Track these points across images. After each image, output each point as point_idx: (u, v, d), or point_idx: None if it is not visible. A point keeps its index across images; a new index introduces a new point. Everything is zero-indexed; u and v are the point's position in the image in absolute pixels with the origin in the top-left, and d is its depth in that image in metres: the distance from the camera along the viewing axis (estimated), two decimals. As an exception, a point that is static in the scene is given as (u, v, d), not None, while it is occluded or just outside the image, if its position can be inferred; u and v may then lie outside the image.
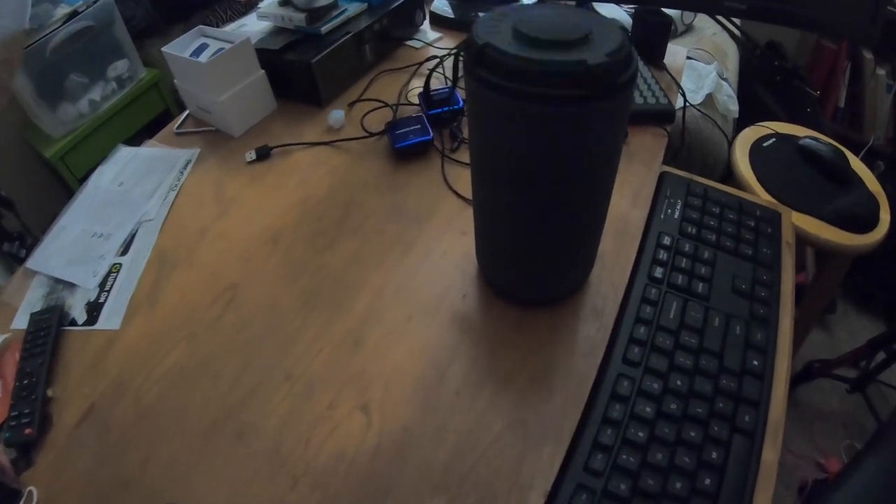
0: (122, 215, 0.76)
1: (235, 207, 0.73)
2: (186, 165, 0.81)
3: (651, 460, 0.49)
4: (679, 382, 0.53)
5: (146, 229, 0.73)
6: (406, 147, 0.76)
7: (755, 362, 0.55)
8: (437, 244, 0.66)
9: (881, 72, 1.77)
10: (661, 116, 0.81)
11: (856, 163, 1.17)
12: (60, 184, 1.61)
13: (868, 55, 1.77)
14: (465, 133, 0.80)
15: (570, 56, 0.41)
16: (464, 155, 0.78)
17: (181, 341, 0.59)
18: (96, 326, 0.62)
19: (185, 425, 0.53)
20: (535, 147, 0.45)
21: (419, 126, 0.78)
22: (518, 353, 0.56)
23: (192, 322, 0.60)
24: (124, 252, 0.70)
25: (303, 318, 0.60)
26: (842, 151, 1.14)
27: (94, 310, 0.63)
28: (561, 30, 0.43)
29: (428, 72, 0.78)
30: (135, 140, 1.10)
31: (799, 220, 0.71)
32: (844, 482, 0.66)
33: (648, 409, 0.51)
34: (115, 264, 0.69)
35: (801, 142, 1.15)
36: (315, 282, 0.63)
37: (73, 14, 1.47)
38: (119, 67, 1.60)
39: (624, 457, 0.49)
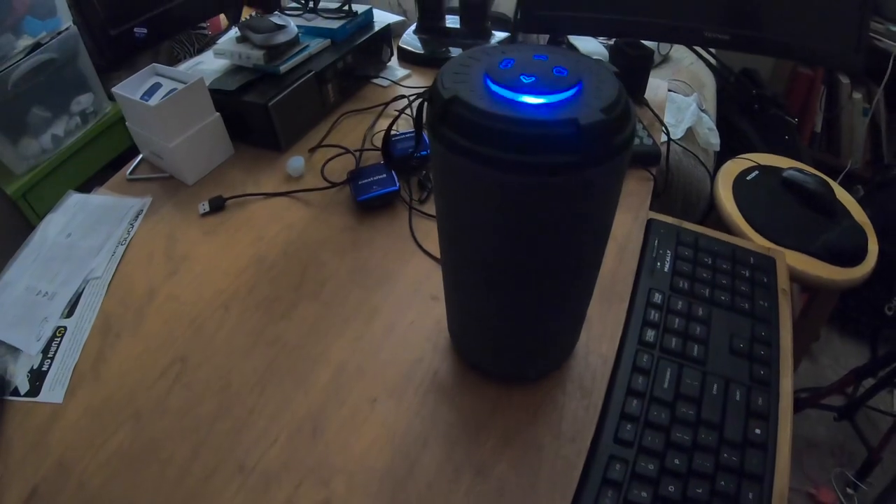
0: (67, 271, 0.69)
1: (186, 266, 0.65)
2: (137, 216, 0.74)
3: None
4: (677, 461, 0.47)
5: (92, 288, 0.66)
6: (369, 199, 0.69)
7: (757, 431, 0.50)
8: (405, 312, 0.60)
9: (857, 95, 1.76)
10: (647, 158, 0.76)
11: (840, 193, 1.13)
12: (23, 222, 1.52)
13: (844, 80, 1.77)
14: None
15: (557, 114, 0.33)
16: (433, 207, 0.71)
17: (126, 421, 0.51)
18: (39, 398, 0.55)
19: None
20: (514, 222, 0.38)
21: (384, 175, 0.71)
22: (497, 438, 0.49)
23: (138, 399, 0.53)
24: (70, 314, 0.63)
25: (257, 397, 0.52)
26: (827, 182, 1.11)
27: (37, 379, 0.57)
28: (544, 79, 0.35)
29: (396, 113, 0.71)
30: (99, 177, 1.03)
31: (788, 258, 0.67)
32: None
33: (644, 495, 0.45)
34: (59, 328, 0.62)
35: (785, 174, 1.11)
36: (270, 355, 0.56)
37: (36, 46, 1.39)
38: (83, 102, 1.52)
39: None
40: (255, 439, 0.50)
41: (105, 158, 1.59)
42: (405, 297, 0.61)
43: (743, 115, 1.48)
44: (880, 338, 1.59)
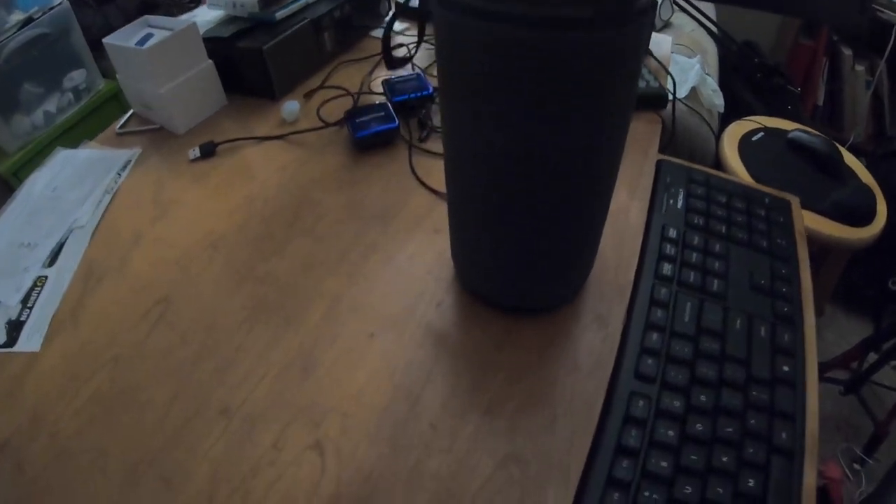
0: (51, 223, 0.63)
1: (175, 210, 0.60)
2: (125, 167, 0.68)
3: (678, 496, 0.37)
4: (703, 398, 0.41)
5: (76, 237, 0.60)
6: (368, 136, 0.63)
7: (785, 368, 0.44)
8: (405, 245, 0.54)
9: (860, 68, 1.68)
10: (654, 101, 0.70)
11: (847, 155, 1.09)
12: (16, 200, 1.46)
13: (847, 51, 1.70)
14: (436, 121, 0.68)
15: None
16: (435, 144, 0.66)
17: (104, 365, 0.45)
18: (15, 348, 0.49)
19: (104, 468, 0.40)
20: (527, 100, 0.32)
21: (383, 114, 0.65)
22: (507, 373, 0.43)
23: (117, 342, 0.47)
24: (52, 262, 0.57)
25: (243, 336, 0.46)
26: (834, 143, 1.06)
27: (14, 329, 0.51)
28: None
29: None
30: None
31: (798, 216, 0.65)
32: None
33: (671, 433, 0.39)
34: (40, 277, 0.56)
35: (790, 135, 1.06)
36: (259, 293, 0.50)
37: (28, 21, 1.33)
38: (76, 78, 1.46)
39: (646, 494, 0.37)
40: (240, 380, 0.44)
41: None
42: (405, 231, 0.55)
43: (745, 85, 1.43)
44: (885, 313, 1.55)
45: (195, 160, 0.65)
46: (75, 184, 0.69)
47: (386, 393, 0.43)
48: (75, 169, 0.71)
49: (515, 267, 0.44)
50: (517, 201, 0.38)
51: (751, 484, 0.38)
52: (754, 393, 0.43)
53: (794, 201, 0.60)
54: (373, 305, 0.49)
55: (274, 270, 0.52)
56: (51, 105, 1.42)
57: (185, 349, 0.46)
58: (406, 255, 0.53)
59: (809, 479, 0.40)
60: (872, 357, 1.27)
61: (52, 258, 0.58)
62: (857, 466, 1.25)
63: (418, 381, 0.43)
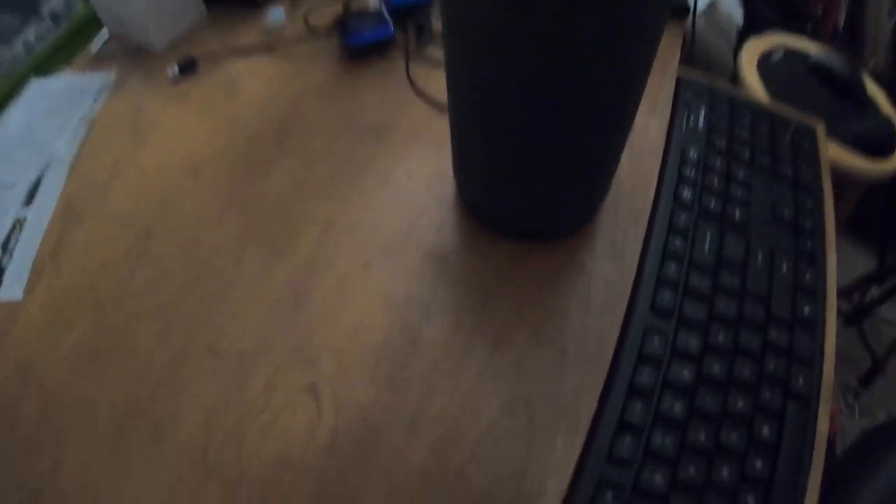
0: (27, 159, 0.57)
1: (155, 136, 0.54)
2: (101, 91, 0.64)
3: (692, 441, 0.35)
4: (721, 337, 0.38)
5: (53, 172, 0.55)
6: (361, 44, 0.57)
7: (806, 309, 0.41)
8: (402, 162, 0.48)
9: (884, -8, 1.58)
10: (676, 9, 0.63)
11: (869, 83, 1.02)
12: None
13: (871, -25, 1.59)
14: (437, 26, 0.61)
15: None
16: (435, 52, 0.59)
17: (88, 310, 0.42)
18: None
19: (94, 419, 0.38)
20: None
21: (378, 20, 0.58)
22: (514, 306, 0.39)
23: (100, 284, 0.43)
24: (29, 201, 0.52)
25: (230, 269, 0.42)
26: (858, 70, 0.98)
27: None
28: None
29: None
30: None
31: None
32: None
33: (686, 374, 0.36)
34: (18, 219, 0.51)
35: (813, 58, 0.98)
36: (246, 221, 0.45)
37: (-2, -57, 1.24)
38: (53, 2, 1.37)
39: (658, 439, 0.34)
40: (229, 317, 0.40)
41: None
42: (402, 147, 0.50)
43: (765, 1, 1.34)
44: (890, 247, 1.52)
45: (175, 78, 0.59)
46: (50, 115, 0.63)
47: (383, 328, 0.39)
48: (49, 99, 0.65)
49: (524, 189, 0.39)
50: (528, 117, 0.33)
51: (765, 431, 0.36)
52: (773, 334, 0.39)
53: (820, 128, 0.54)
54: (368, 231, 0.44)
55: (261, 195, 0.47)
56: (30, 34, 1.34)
57: (170, 286, 0.42)
58: (403, 173, 0.47)
59: (822, 427, 0.37)
60: (875, 294, 1.24)
61: (30, 197, 0.53)
62: (851, 398, 1.24)
63: (418, 316, 0.39)
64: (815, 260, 0.44)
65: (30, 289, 0.45)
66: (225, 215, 0.46)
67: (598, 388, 0.36)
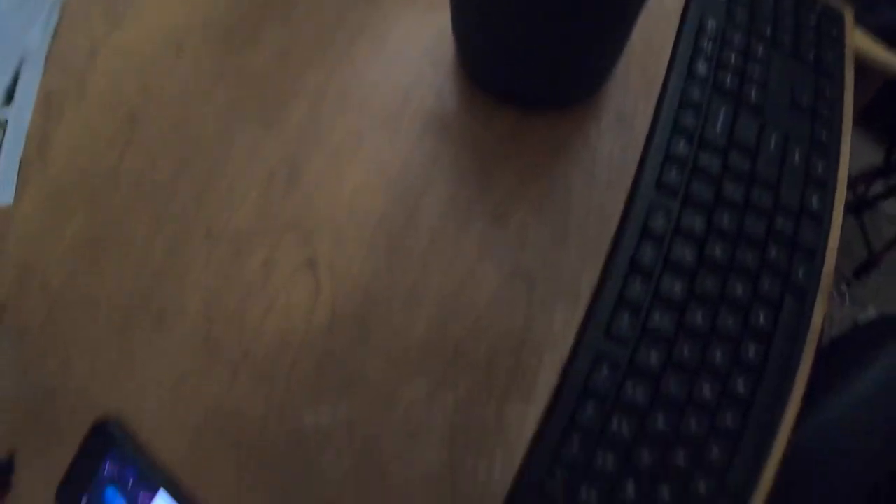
0: (1, 55, 0.55)
1: (131, 14, 0.48)
2: (68, -35, 0.58)
3: (689, 323, 0.34)
4: (727, 219, 0.36)
5: (29, 67, 0.51)
6: None
7: (814, 201, 0.39)
8: (397, 24, 0.43)
9: None
10: None
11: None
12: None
13: None
14: None
15: None
16: None
17: (80, 204, 0.40)
18: None
19: (98, 314, 0.37)
20: None
21: None
22: (515, 178, 0.37)
23: (89, 176, 0.40)
24: (9, 100, 0.50)
25: (220, 148, 0.40)
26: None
27: None
28: None
29: None
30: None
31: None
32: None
33: (688, 255, 0.35)
34: (0, 122, 0.50)
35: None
36: (233, 94, 0.42)
37: None
38: None
39: (657, 317, 0.34)
40: (222, 198, 0.38)
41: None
42: (396, 8, 0.45)
43: None
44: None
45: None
46: (19, 4, 0.59)
47: (380, 201, 0.37)
48: None
49: (529, 53, 0.35)
50: None
51: (761, 319, 0.35)
52: (779, 222, 0.38)
53: (848, 15, 0.49)
54: (362, 99, 0.40)
55: (247, 67, 0.43)
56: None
57: (160, 172, 0.40)
58: (399, 35, 0.43)
59: (817, 320, 0.37)
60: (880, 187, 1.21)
61: (9, 96, 0.50)
62: (844, 288, 1.24)
63: (416, 186, 0.37)
64: (829, 151, 0.42)
65: (20, 191, 0.42)
66: (211, 92, 0.42)
67: (599, 263, 0.35)
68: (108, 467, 0.36)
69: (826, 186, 0.40)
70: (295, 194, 0.37)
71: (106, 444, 0.37)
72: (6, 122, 0.48)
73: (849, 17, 0.49)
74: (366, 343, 0.33)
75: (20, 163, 0.44)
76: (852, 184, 1.23)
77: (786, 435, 0.36)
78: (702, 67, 0.41)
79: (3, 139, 0.47)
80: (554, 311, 0.34)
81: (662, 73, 0.41)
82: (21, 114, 0.48)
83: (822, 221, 0.39)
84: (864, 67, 0.81)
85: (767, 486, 0.35)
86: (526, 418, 0.33)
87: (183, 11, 0.48)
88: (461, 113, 0.39)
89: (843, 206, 0.41)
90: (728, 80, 0.41)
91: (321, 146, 0.38)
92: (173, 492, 0.34)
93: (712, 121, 0.39)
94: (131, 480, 0.36)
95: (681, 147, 0.38)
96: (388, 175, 0.37)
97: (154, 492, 0.35)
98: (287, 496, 0.34)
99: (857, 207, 1.24)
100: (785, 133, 0.40)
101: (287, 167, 0.38)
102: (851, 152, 0.44)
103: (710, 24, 0.43)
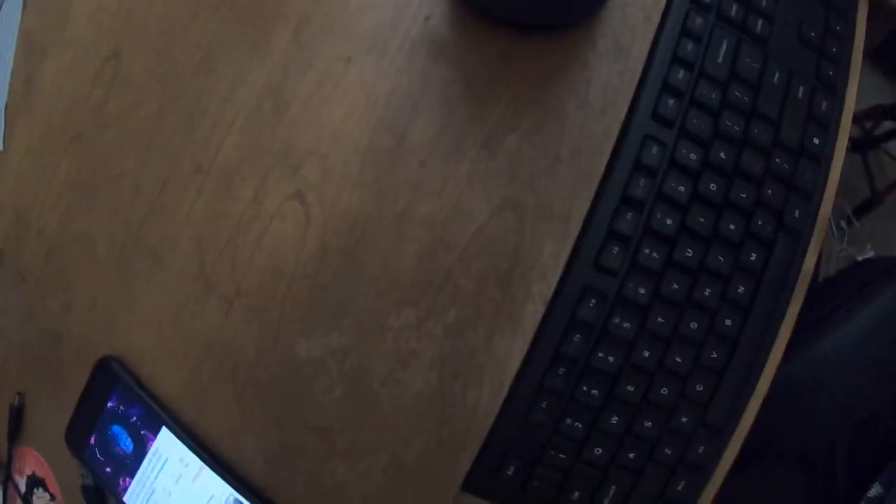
0: None
1: None
2: None
3: (678, 258, 0.34)
4: (723, 154, 0.35)
5: (7, 9, 0.50)
6: None
7: (815, 140, 0.37)
8: None
9: None
10: None
11: None
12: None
13: None
14: None
15: None
16: None
17: (68, 146, 0.39)
18: None
19: (94, 255, 0.37)
20: None
21: None
22: (507, 104, 0.35)
23: (76, 116, 0.40)
24: None
25: (204, 78, 0.38)
26: None
27: None
28: None
29: None
30: None
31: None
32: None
33: (681, 189, 0.34)
34: None
35: None
36: (215, 21, 0.40)
37: None
38: None
39: (646, 251, 0.33)
40: (209, 130, 0.37)
41: None
42: None
43: None
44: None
45: None
46: None
47: (368, 129, 0.36)
48: None
49: None
50: None
51: (752, 258, 0.35)
52: (777, 160, 0.36)
53: None
54: (348, 23, 0.39)
55: None
56: None
57: (145, 107, 0.39)
58: None
59: (809, 264, 0.37)
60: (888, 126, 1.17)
61: (-12, 38, 0.49)
62: (843, 225, 1.21)
63: (404, 113, 0.36)
64: (835, 90, 0.40)
65: (8, 135, 0.42)
66: (192, 21, 0.40)
67: (591, 194, 0.34)
68: (113, 406, 0.37)
69: (828, 127, 0.38)
70: (281, 124, 0.36)
71: (109, 383, 0.37)
72: (-13, 65, 0.47)
73: (866, -53, 0.46)
74: (356, 273, 0.33)
75: (6, 107, 0.43)
76: (860, 120, 1.19)
77: (770, 374, 0.36)
78: None
79: (-15, 84, 0.46)
80: (543, 242, 0.33)
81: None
82: (3, 57, 0.47)
83: (821, 163, 0.38)
84: (880, 3, 0.79)
85: (749, 422, 0.36)
86: (514, 347, 0.33)
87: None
88: (451, 36, 0.37)
89: (844, 149, 0.39)
90: (733, 9, 0.39)
91: (307, 74, 0.37)
92: (175, 428, 0.36)
93: (713, 52, 0.37)
94: (135, 418, 0.37)
95: (679, 77, 0.36)
96: (376, 102, 0.36)
97: (157, 428, 0.36)
98: (284, 423, 0.35)
99: (863, 145, 1.19)
100: (789, 69, 0.39)
101: (273, 96, 0.37)
102: (863, 89, 0.43)
103: (717, -55, 0.41)
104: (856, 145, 1.22)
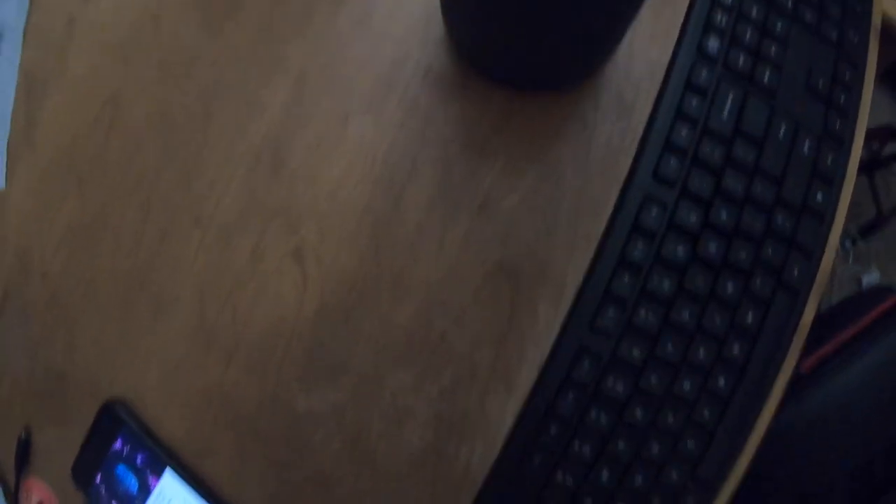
0: None
1: None
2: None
3: (675, 319, 0.34)
4: (724, 214, 0.35)
5: (9, 44, 0.49)
6: None
7: (819, 196, 0.37)
8: None
9: None
10: None
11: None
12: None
13: None
14: None
15: None
16: None
17: (70, 189, 0.40)
18: None
19: (96, 301, 0.38)
20: None
21: None
22: (505, 165, 0.35)
23: (77, 159, 0.40)
24: None
25: (203, 130, 0.38)
26: None
27: None
28: None
29: None
30: None
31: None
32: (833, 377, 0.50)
33: (680, 250, 0.34)
34: None
35: None
36: (214, 72, 0.40)
37: None
38: None
39: (642, 313, 0.33)
40: (208, 183, 0.37)
41: None
42: None
43: None
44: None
45: None
46: None
47: (365, 188, 0.36)
48: None
49: (524, 29, 0.32)
50: None
51: (749, 318, 0.35)
52: (779, 219, 0.36)
53: None
54: (346, 78, 0.38)
55: (227, 41, 0.41)
56: None
57: (145, 157, 0.39)
58: (385, 8, 0.40)
59: (807, 317, 0.36)
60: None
61: (-9, 75, 0.49)
62: (848, 244, 1.20)
63: (402, 173, 0.36)
64: (841, 142, 0.39)
65: (11, 174, 0.42)
66: (192, 69, 0.40)
67: (588, 257, 0.34)
68: (118, 447, 0.38)
69: (833, 182, 0.38)
70: (280, 180, 0.36)
71: (115, 425, 0.38)
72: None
73: (878, -17, 0.44)
74: (353, 332, 0.34)
75: (8, 146, 0.43)
76: (868, 139, 1.19)
77: (762, 430, 0.37)
78: (713, 45, 0.38)
79: (-12, 121, 0.46)
80: (538, 305, 0.34)
81: (670, 50, 0.38)
82: (5, 94, 0.46)
83: (823, 218, 0.37)
84: (891, 29, 0.78)
85: (738, 477, 0.37)
86: (507, 407, 0.34)
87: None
88: (450, 95, 0.37)
89: (849, 200, 0.39)
90: (741, 60, 0.38)
91: (305, 129, 0.37)
92: (179, 470, 0.37)
93: (719, 106, 0.37)
94: (140, 459, 0.38)
95: (682, 135, 0.36)
96: (374, 160, 0.36)
97: (161, 470, 0.37)
98: (283, 471, 0.36)
99: (870, 166, 1.18)
100: (796, 121, 0.38)
101: (271, 152, 0.37)
102: (871, 108, 0.42)
103: (727, -7, 0.39)
104: (862, 166, 1.20)
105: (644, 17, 0.39)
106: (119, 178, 0.40)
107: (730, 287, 0.35)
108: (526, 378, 0.33)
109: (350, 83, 0.38)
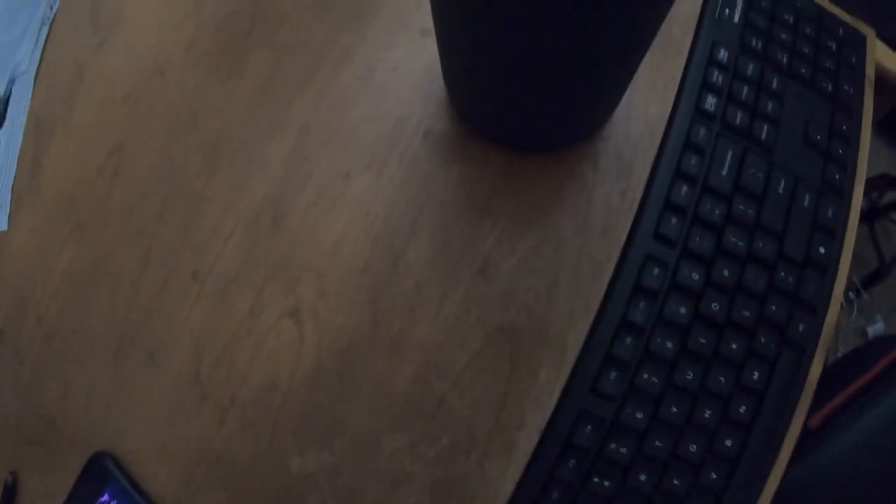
0: None
1: (116, 32, 0.46)
2: (58, -13, 0.57)
3: (678, 380, 0.33)
4: (726, 272, 0.35)
5: (21, 86, 0.50)
6: None
7: (821, 249, 0.37)
8: (386, 54, 0.41)
9: None
10: None
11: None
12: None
13: None
14: None
15: None
16: None
17: (71, 235, 0.40)
18: None
19: (92, 348, 0.37)
20: None
21: None
22: (505, 226, 0.35)
23: (79, 206, 0.40)
24: (1, 124, 0.50)
25: (205, 183, 0.38)
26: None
27: None
28: None
29: None
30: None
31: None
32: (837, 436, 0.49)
33: (683, 310, 0.33)
34: None
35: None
36: (217, 126, 0.40)
37: None
38: None
39: (645, 375, 0.33)
40: (207, 237, 0.37)
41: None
42: (386, 33, 0.42)
43: None
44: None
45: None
46: (9, 22, 0.57)
47: (365, 248, 0.36)
48: (4, 3, 0.59)
49: (522, 98, 0.32)
50: (530, 20, 0.25)
51: (755, 377, 0.34)
52: (781, 275, 0.36)
53: (870, 35, 0.45)
54: (348, 136, 0.39)
55: (231, 96, 0.41)
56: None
57: (147, 207, 0.39)
58: (387, 66, 0.41)
59: (814, 374, 0.36)
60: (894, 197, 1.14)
61: (1, 117, 0.51)
62: (852, 296, 1.20)
63: (401, 233, 0.36)
64: (841, 195, 0.39)
65: (14, 215, 0.42)
66: (195, 122, 0.40)
67: (589, 320, 0.34)
68: (105, 500, 0.38)
69: (835, 235, 0.38)
70: (280, 236, 0.36)
71: (103, 478, 0.37)
72: (-1, 143, 0.48)
73: (871, 39, 0.45)
74: (349, 393, 0.33)
75: (14, 188, 0.44)
76: (867, 189, 1.19)
77: (772, 490, 0.36)
78: (710, 102, 0.38)
79: (-3, 162, 0.47)
80: (539, 368, 0.33)
81: (668, 109, 0.38)
82: (13, 136, 0.47)
83: (826, 272, 0.37)
84: (886, 79, 0.79)
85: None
86: (507, 472, 0.33)
87: (167, 32, 0.46)
88: (451, 155, 0.37)
89: (851, 253, 0.38)
90: (738, 117, 0.38)
91: (306, 187, 0.37)
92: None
93: (718, 163, 0.37)
94: (127, 514, 0.37)
95: (682, 194, 0.36)
96: (374, 221, 0.36)
97: (148, 527, 0.36)
98: (274, 534, 0.35)
99: (870, 215, 1.17)
100: (795, 175, 0.38)
101: (271, 208, 0.37)
102: (871, 160, 0.42)
103: (722, 53, 0.40)
104: (862, 215, 1.20)
105: (641, 76, 0.39)
106: (120, 226, 0.40)
107: (734, 346, 0.34)
108: (526, 443, 0.33)
109: (351, 141, 0.38)
